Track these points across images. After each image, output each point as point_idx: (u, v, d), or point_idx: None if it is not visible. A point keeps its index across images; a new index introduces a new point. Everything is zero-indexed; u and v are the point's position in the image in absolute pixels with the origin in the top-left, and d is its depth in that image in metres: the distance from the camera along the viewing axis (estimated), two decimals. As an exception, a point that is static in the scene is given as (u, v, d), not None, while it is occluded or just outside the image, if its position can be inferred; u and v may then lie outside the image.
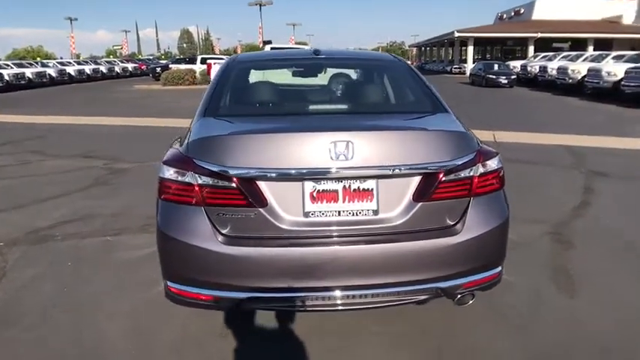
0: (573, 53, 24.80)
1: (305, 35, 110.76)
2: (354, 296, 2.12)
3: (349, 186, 2.10)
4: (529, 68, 25.96)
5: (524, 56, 37.28)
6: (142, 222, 4.34)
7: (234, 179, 2.04)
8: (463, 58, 43.87)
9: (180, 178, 2.11)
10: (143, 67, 40.76)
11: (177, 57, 52.76)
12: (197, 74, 25.51)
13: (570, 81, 19.76)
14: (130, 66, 40.38)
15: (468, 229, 2.17)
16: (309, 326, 2.61)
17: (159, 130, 10.10)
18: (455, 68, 39.41)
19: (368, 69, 3.53)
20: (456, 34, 37.26)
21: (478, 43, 41.25)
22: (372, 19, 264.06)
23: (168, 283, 2.22)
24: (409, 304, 2.35)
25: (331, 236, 2.10)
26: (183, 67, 27.45)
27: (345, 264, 2.07)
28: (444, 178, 2.12)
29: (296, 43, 41.00)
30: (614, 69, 16.81)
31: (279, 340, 2.57)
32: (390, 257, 2.09)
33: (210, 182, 2.06)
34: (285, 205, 2.09)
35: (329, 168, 2.03)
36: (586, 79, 18.38)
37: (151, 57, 67.50)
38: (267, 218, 2.07)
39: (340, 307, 2.16)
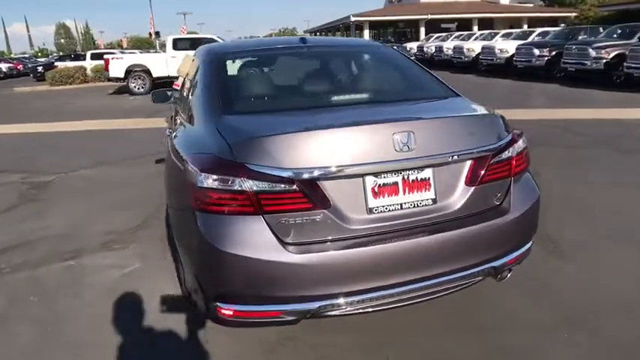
0: (465, 33, 26.53)
1: (196, 24, 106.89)
2: (420, 288, 2.08)
3: (408, 177, 2.05)
4: (425, 49, 27.28)
5: (416, 38, 39.16)
6: (98, 239, 3.85)
7: (296, 181, 1.86)
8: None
9: (228, 187, 1.87)
10: (20, 66, 36.51)
11: (57, 54, 48.08)
12: (88, 71, 23.42)
13: (466, 59, 21.13)
14: (3, 66, 35.97)
15: (514, 208, 2.24)
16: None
17: (69, 135, 9.12)
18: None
19: (363, 56, 3.42)
20: (352, 19, 38.08)
21: (373, 26, 42.46)
22: (262, 6, 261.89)
23: (220, 305, 1.98)
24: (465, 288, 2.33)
25: (397, 230, 2.03)
26: (71, 64, 25.03)
27: (412, 257, 2.02)
28: (492, 161, 2.17)
29: (188, 33, 39.23)
30: (505, 46, 18.24)
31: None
32: (453, 244, 2.08)
33: (268, 187, 1.87)
34: (349, 203, 1.97)
35: (391, 160, 1.98)
36: (480, 56, 19.76)
37: (26, 55, 60.89)
38: (332, 219, 1.94)
39: (408, 302, 2.10)
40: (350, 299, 1.98)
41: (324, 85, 2.94)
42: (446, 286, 2.15)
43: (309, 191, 1.90)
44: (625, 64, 12.48)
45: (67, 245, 3.77)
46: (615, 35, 15.11)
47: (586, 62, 13.73)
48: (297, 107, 2.53)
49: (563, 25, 36.17)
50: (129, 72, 15.37)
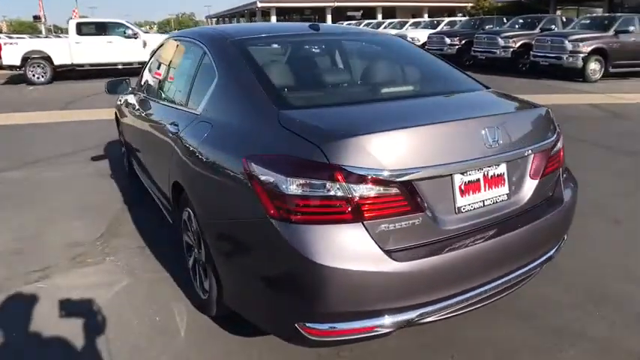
0: (374, 21, 27.19)
1: (87, 8, 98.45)
2: (501, 284, 2.04)
3: (488, 173, 1.98)
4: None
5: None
6: (63, 254, 3.33)
7: (396, 183, 1.69)
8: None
9: (323, 192, 1.66)
10: None
11: None
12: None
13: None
14: None
15: (566, 197, 2.30)
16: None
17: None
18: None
19: (386, 46, 3.24)
20: (259, 4, 37.44)
21: (279, 12, 42.02)
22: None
23: (308, 326, 1.74)
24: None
25: (482, 228, 1.96)
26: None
27: (497, 254, 1.97)
28: (551, 153, 2.20)
29: (80, 17, 36.03)
30: (417, 35, 18.97)
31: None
32: (527, 237, 2.07)
33: (368, 191, 1.69)
34: (441, 204, 1.86)
35: (480, 157, 1.93)
36: (394, 44, 20.42)
37: None
38: (428, 222, 1.82)
39: (492, 299, 2.05)
40: (445, 303, 1.87)
41: (364, 77, 2.76)
42: (519, 280, 2.12)
43: (408, 193, 1.76)
44: (531, 52, 13.54)
45: (26, 264, 3.20)
46: (518, 25, 16.37)
47: (495, 51, 14.71)
48: (356, 101, 2.37)
49: (460, 14, 38.49)
50: (26, 59, 13.66)
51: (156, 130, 3.04)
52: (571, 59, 12.83)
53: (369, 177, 1.68)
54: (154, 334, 2.43)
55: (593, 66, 12.99)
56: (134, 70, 15.03)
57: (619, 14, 14.49)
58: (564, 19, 16.60)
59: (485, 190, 1.98)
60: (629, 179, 4.77)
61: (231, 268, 2.07)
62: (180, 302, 2.71)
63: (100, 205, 4.27)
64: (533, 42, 14.30)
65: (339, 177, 1.66)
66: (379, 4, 39.58)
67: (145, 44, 14.53)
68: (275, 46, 2.87)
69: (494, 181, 2.01)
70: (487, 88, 2.65)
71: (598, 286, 2.79)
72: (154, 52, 3.97)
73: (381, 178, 1.70)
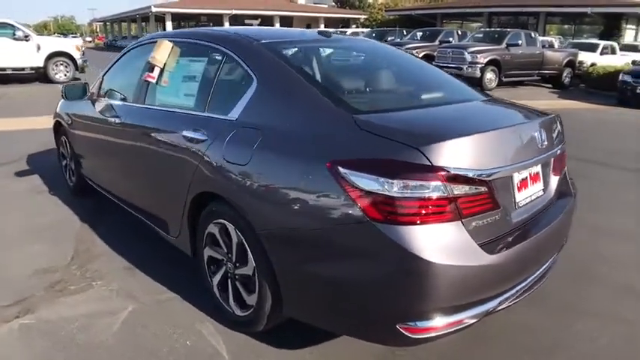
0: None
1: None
2: (544, 272, 2.28)
3: (532, 172, 2.18)
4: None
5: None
6: (38, 282, 2.91)
7: (486, 182, 1.86)
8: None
9: (426, 193, 1.71)
10: None
11: None
12: None
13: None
14: None
15: (574, 189, 2.58)
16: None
17: None
18: (155, 45, 38.04)
19: (391, 54, 3.27)
20: (153, 9, 35.78)
21: (175, 18, 40.46)
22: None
23: (407, 325, 1.77)
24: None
25: (532, 221, 2.16)
26: None
27: (543, 243, 2.16)
28: (565, 152, 2.48)
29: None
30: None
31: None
32: (560, 228, 2.30)
33: (466, 190, 1.80)
34: (507, 200, 2.02)
35: (535, 157, 2.15)
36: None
37: None
38: (503, 216, 1.98)
39: (535, 288, 2.22)
40: (513, 291, 2.03)
41: (398, 83, 2.79)
42: (551, 269, 2.35)
43: (492, 191, 1.89)
44: (433, 63, 14.46)
45: (-5, 297, 2.75)
46: (417, 38, 17.47)
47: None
48: (410, 105, 2.39)
49: (354, 25, 40.18)
50: None
51: (154, 139, 2.78)
52: (470, 69, 13.99)
53: (466, 177, 1.79)
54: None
55: (490, 75, 14.32)
56: (26, 76, 13.59)
57: (509, 29, 16.14)
58: (460, 32, 18.11)
59: (530, 187, 2.17)
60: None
61: (307, 276, 1.97)
62: (204, 322, 2.51)
63: (53, 225, 3.79)
64: (434, 53, 15.40)
65: (442, 178, 1.72)
66: (276, 14, 39.89)
67: (39, 48, 13.18)
68: (304, 51, 2.78)
69: (534, 178, 2.21)
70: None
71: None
72: (124, 54, 3.63)
73: (475, 177, 1.82)
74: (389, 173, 1.72)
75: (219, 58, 2.56)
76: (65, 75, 13.85)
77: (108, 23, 60.06)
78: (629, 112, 11.10)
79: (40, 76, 13.68)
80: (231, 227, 2.27)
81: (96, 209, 4.13)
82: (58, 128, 4.55)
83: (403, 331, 1.78)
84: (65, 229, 3.74)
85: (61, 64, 13.84)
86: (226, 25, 38.21)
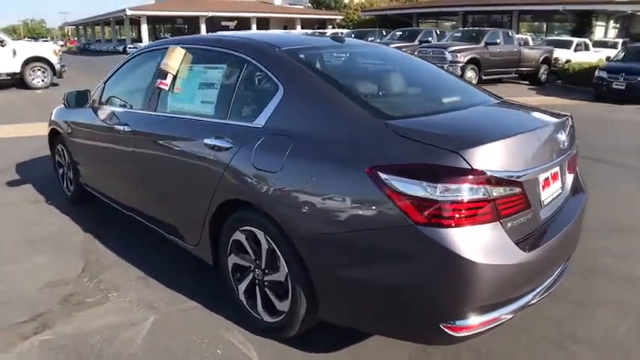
0: (249, 32, 27.18)
1: None
2: (565, 267, 2.36)
3: (552, 171, 2.24)
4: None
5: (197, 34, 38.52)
6: (50, 296, 2.84)
7: (521, 183, 1.92)
8: (133, 37, 42.00)
9: (468, 196, 1.76)
10: None
11: None
12: None
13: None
14: None
15: (585, 185, 2.68)
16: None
17: None
18: (130, 48, 37.40)
19: (404, 59, 3.28)
20: (128, 12, 35.23)
21: (150, 21, 39.85)
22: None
23: (451, 324, 1.81)
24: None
25: (555, 218, 2.23)
26: None
27: (568, 239, 2.25)
28: (575, 152, 2.55)
29: None
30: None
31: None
32: (578, 224, 2.39)
33: (503, 192, 1.86)
34: (534, 199, 2.07)
35: (557, 158, 2.23)
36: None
37: None
38: (533, 215, 2.04)
39: (560, 281, 2.30)
40: (543, 286, 2.11)
41: (417, 88, 2.83)
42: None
43: (524, 191, 1.95)
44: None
45: (6, 315, 2.66)
46: (396, 38, 17.60)
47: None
48: (435, 110, 2.42)
49: (330, 26, 40.27)
50: None
51: (170, 147, 2.75)
52: (451, 68, 14.14)
53: (503, 179, 1.85)
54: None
55: (470, 74, 14.51)
56: (1, 82, 13.20)
57: (487, 28, 16.41)
58: (438, 32, 18.33)
59: (552, 185, 2.23)
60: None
61: (347, 280, 1.98)
62: (231, 330, 2.49)
63: (54, 236, 3.70)
64: (415, 53, 15.52)
65: (482, 180, 1.78)
66: (253, 15, 39.74)
67: (14, 53, 12.83)
68: (325, 57, 2.77)
69: (554, 177, 2.26)
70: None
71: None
72: (127, 61, 3.57)
73: (510, 179, 1.88)
74: (431, 177, 1.76)
75: (240, 65, 2.54)
76: (43, 81, 13.52)
77: (81, 27, 58.81)
78: (606, 107, 11.40)
79: (17, 82, 13.31)
80: (260, 234, 2.26)
81: (97, 218, 4.05)
82: (54, 137, 4.44)
83: (447, 330, 1.82)
84: (68, 239, 3.65)
85: (39, 70, 13.49)
86: (202, 27, 37.90)
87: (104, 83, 3.68)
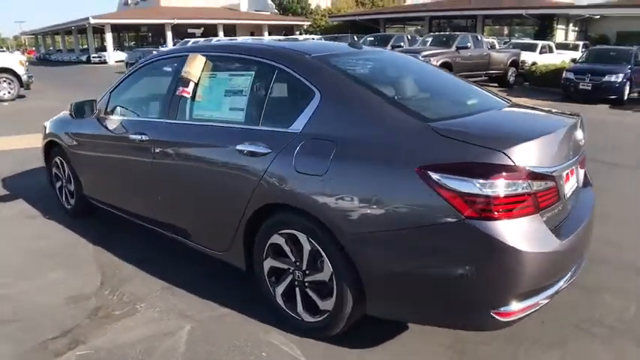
0: (226, 39, 27.10)
1: None
2: (583, 258, 2.48)
3: (572, 167, 2.39)
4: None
5: (163, 42, 38.06)
6: (76, 311, 2.78)
7: (555, 178, 2.08)
8: (97, 46, 41.09)
9: (514, 191, 1.92)
10: None
11: None
12: None
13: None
14: None
15: (591, 179, 2.87)
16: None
17: None
18: (94, 57, 36.57)
19: (419, 65, 3.39)
20: (92, 21, 34.42)
21: (114, 29, 38.99)
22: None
23: (501, 310, 1.96)
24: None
25: (576, 210, 2.40)
26: None
27: (588, 227, 2.44)
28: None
29: None
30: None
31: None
32: (593, 215, 2.55)
33: (542, 186, 2.02)
34: (562, 192, 2.20)
35: (577, 154, 2.41)
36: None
37: None
38: (563, 207, 2.21)
39: (582, 267, 2.43)
40: (571, 272, 2.24)
41: (440, 91, 2.94)
42: None
43: (557, 185, 2.12)
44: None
45: (35, 332, 2.58)
46: (367, 43, 17.83)
47: None
48: (467, 112, 2.52)
49: (297, 32, 40.43)
50: None
51: (196, 154, 2.76)
52: (425, 72, 14.46)
53: (541, 174, 2.01)
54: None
55: (443, 77, 14.83)
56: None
57: (457, 33, 16.84)
58: (409, 37, 18.69)
59: (571, 179, 2.38)
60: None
61: (398, 275, 2.08)
62: (270, 333, 2.51)
63: (62, 251, 3.61)
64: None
65: (524, 176, 1.94)
66: (220, 22, 39.44)
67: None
68: (354, 63, 2.82)
69: (572, 172, 2.40)
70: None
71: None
72: (135, 70, 3.53)
73: (547, 174, 2.04)
74: (480, 175, 1.89)
75: (270, 72, 2.58)
76: (9, 92, 13.09)
77: (40, 36, 57.02)
78: (575, 107, 11.87)
79: (-18, 94, 12.84)
80: (302, 236, 2.30)
81: (102, 230, 3.97)
82: (51, 149, 4.34)
83: (496, 317, 1.96)
84: (77, 253, 3.58)
85: (4, 81, 13.06)
86: (168, 34, 37.41)
87: (110, 93, 3.63)
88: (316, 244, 2.25)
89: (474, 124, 2.30)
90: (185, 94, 2.85)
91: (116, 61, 34.74)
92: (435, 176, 1.93)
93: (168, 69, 3.19)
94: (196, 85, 2.85)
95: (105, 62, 35.37)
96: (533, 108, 2.96)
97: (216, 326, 2.60)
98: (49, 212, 4.42)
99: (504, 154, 1.92)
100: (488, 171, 1.89)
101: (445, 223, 1.92)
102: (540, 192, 2.00)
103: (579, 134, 2.49)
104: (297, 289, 2.43)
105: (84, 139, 3.76)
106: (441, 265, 1.98)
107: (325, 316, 2.33)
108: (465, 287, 1.96)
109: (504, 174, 1.89)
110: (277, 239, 2.42)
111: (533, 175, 1.96)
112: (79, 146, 3.84)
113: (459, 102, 2.82)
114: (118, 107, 3.51)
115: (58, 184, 4.39)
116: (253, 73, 2.67)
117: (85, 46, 43.40)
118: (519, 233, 1.90)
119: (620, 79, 12.24)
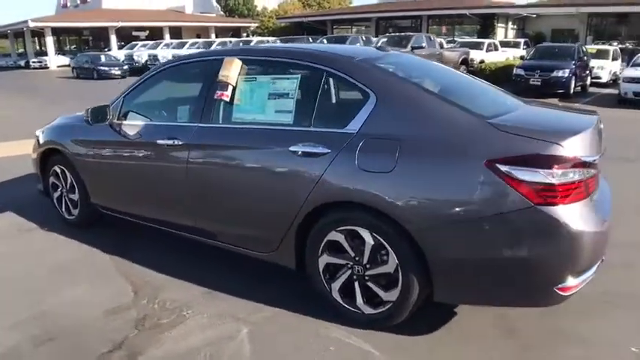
0: (175, 42, 26.60)
1: None
2: None
3: None
4: (136, 58, 26.33)
5: (105, 45, 36.68)
6: (120, 324, 2.73)
7: (594, 165, 2.28)
8: (35, 50, 38.97)
9: (572, 178, 2.14)
10: None
11: None
12: None
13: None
14: None
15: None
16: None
17: None
18: (34, 62, 34.62)
19: (444, 68, 3.54)
20: (31, 24, 32.62)
21: (55, 33, 36.97)
22: None
23: (563, 285, 2.17)
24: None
25: (603, 196, 2.57)
26: None
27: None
28: None
29: None
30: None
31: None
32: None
33: (589, 174, 2.23)
34: (599, 179, 2.46)
35: (603, 146, 2.56)
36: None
37: None
38: (600, 193, 2.47)
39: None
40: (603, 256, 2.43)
41: (475, 91, 3.08)
42: None
43: (597, 173, 2.35)
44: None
45: (80, 348, 2.52)
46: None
47: None
48: (509, 110, 2.66)
49: (245, 34, 40.13)
50: None
51: (242, 157, 2.81)
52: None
53: (589, 162, 2.23)
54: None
55: (401, 76, 15.27)
56: None
57: (412, 33, 17.40)
58: (364, 38, 19.05)
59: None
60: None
61: (469, 262, 2.24)
62: (330, 328, 2.58)
63: (76, 263, 3.48)
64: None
65: (579, 165, 2.17)
66: (165, 24, 38.51)
67: None
68: (396, 66, 2.90)
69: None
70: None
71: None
72: (152, 75, 3.46)
73: (592, 162, 2.25)
74: (545, 165, 2.11)
75: (318, 75, 2.66)
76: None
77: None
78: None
79: None
80: (365, 231, 2.38)
81: (113, 239, 3.85)
82: (48, 158, 4.16)
83: (559, 292, 2.17)
84: (94, 264, 3.48)
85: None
86: (112, 37, 36.07)
87: (124, 98, 3.54)
88: (380, 239, 2.34)
89: (522, 120, 2.50)
90: (224, 98, 2.85)
91: (58, 66, 33.11)
92: (503, 168, 2.11)
93: (196, 73, 3.17)
94: (234, 88, 2.87)
95: (46, 67, 33.53)
96: (555, 105, 3.21)
97: (273, 326, 2.63)
98: (47, 224, 4.23)
99: (561, 146, 2.14)
100: (552, 161, 2.10)
101: (515, 210, 2.10)
102: (589, 179, 2.23)
103: (602, 128, 2.71)
104: (357, 283, 2.51)
105: (96, 145, 3.65)
106: (510, 249, 2.16)
107: (389, 306, 2.43)
108: (532, 267, 2.15)
109: (564, 164, 2.12)
110: (335, 236, 2.49)
111: (584, 164, 2.19)
112: (89, 154, 3.71)
113: (494, 100, 2.99)
114: (136, 112, 3.44)
115: (56, 195, 4.21)
116: (299, 76, 2.73)
117: (21, 50, 41.04)
118: (579, 216, 2.13)
119: (567, 74, 13.08)
